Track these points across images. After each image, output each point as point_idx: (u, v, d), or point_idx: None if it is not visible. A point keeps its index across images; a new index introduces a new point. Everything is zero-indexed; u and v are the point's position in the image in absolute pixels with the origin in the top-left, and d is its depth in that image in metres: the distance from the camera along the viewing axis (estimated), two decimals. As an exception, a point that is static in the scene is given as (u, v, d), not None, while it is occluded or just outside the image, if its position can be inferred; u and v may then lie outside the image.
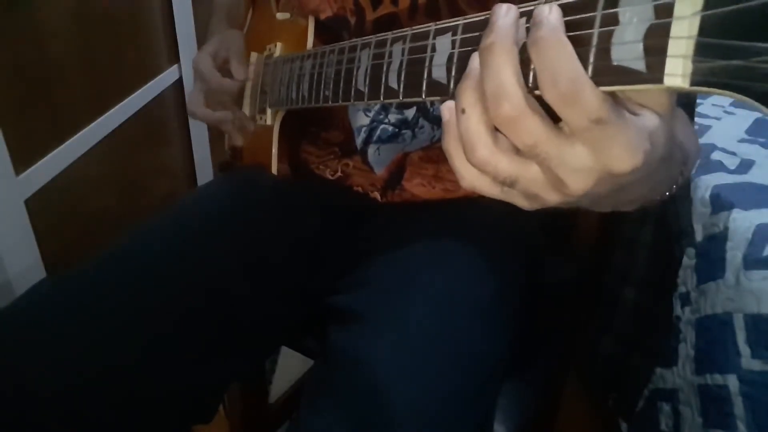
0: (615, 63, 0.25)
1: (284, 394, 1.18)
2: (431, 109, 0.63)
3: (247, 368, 0.75)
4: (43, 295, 0.56)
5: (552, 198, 0.30)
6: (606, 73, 0.25)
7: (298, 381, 1.21)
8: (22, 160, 0.87)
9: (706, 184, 0.93)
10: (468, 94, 0.30)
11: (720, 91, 0.22)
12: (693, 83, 0.22)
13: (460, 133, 0.30)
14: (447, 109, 0.31)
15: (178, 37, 1.38)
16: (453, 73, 0.33)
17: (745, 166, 1.00)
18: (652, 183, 0.33)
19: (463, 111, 0.30)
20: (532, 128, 0.27)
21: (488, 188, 0.32)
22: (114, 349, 0.53)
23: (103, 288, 0.56)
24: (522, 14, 0.29)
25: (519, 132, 0.28)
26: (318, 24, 0.63)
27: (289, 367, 1.27)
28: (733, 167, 0.99)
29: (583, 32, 0.25)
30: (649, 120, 0.28)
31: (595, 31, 0.25)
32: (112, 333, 0.53)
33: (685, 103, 0.52)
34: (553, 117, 0.28)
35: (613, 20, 0.24)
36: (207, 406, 0.62)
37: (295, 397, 1.17)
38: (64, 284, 0.56)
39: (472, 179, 0.32)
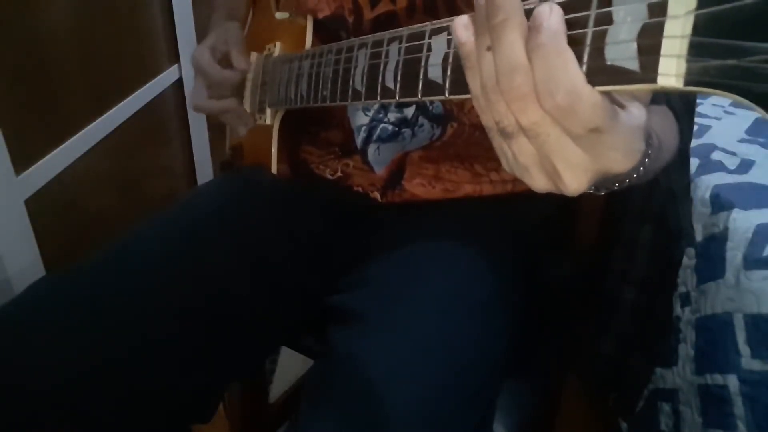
0: (609, 63, 0.24)
1: (284, 394, 1.18)
2: (431, 108, 0.63)
3: (247, 368, 0.75)
4: (41, 293, 0.56)
5: (541, 182, 0.30)
6: (599, 73, 0.25)
7: (298, 381, 1.21)
8: (22, 160, 0.87)
9: (706, 184, 0.93)
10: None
11: (713, 91, 0.22)
12: (687, 83, 0.22)
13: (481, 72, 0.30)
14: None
15: (178, 37, 1.38)
16: (449, 72, 0.33)
17: (745, 166, 0.99)
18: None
19: (488, 48, 0.29)
20: (537, 107, 0.27)
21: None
22: (113, 347, 0.53)
23: (102, 286, 0.56)
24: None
25: (526, 109, 0.28)
26: (316, 23, 0.63)
27: (289, 367, 1.27)
28: (733, 167, 0.99)
29: (577, 31, 0.25)
30: (638, 115, 0.28)
31: (590, 30, 0.25)
32: (111, 331, 0.53)
33: (685, 102, 0.52)
34: None
35: (607, 19, 0.24)
36: (207, 405, 0.62)
37: (295, 397, 1.17)
38: (63, 282, 0.57)
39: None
